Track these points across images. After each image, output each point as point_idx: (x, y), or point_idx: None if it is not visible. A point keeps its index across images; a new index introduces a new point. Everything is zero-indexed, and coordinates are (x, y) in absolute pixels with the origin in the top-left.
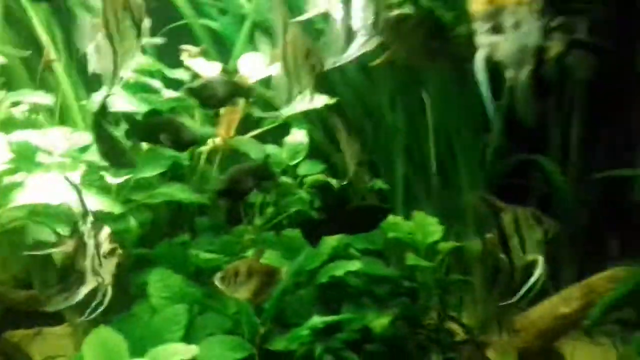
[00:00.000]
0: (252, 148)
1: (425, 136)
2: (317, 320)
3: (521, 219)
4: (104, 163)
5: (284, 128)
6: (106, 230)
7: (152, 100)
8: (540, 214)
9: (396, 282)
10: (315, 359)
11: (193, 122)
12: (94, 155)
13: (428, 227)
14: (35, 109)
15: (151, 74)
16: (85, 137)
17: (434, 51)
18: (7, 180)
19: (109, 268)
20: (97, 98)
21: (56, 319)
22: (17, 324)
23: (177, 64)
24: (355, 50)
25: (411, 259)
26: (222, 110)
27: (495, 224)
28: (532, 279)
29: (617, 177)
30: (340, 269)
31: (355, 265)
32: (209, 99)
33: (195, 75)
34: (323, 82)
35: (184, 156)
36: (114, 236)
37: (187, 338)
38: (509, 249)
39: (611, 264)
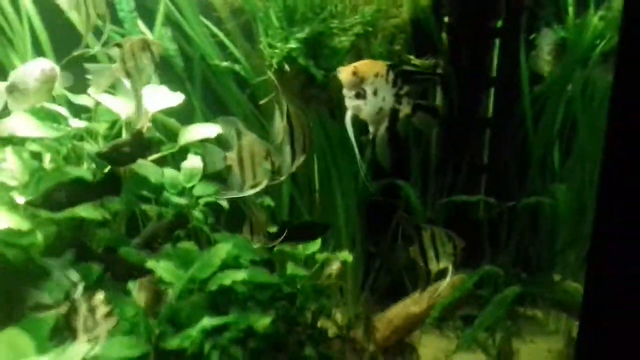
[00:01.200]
0: (151, 171)
1: (307, 162)
2: (206, 321)
3: (437, 236)
4: (13, 183)
5: (182, 153)
6: (100, 296)
7: (59, 129)
8: (451, 233)
9: (277, 288)
10: (204, 356)
11: (91, 146)
12: (3, 176)
13: None
14: None
15: (55, 99)
16: None
17: (309, 97)
18: None
19: (105, 327)
20: (5, 124)
21: None
22: None
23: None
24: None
25: (290, 268)
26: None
27: (416, 239)
28: (445, 282)
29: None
30: (228, 278)
31: (241, 275)
32: (119, 160)
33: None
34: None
35: (87, 176)
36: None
37: None
38: (426, 259)
39: (456, 272)
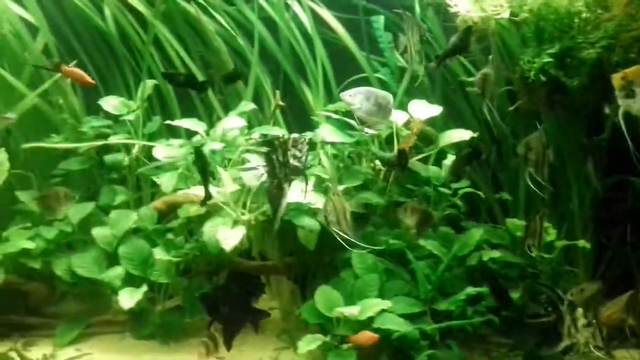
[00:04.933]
0: (419, 167)
1: (542, 158)
2: (471, 290)
3: None
4: (326, 176)
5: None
6: (580, 311)
7: (353, 135)
8: None
9: (523, 268)
10: (467, 317)
11: (376, 149)
12: (318, 171)
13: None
14: None
15: (345, 113)
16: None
17: (554, 102)
18: None
19: (584, 335)
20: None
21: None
22: None
23: None
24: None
25: (535, 252)
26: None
27: None
28: None
29: None
30: (486, 255)
31: (495, 254)
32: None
33: None
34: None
35: (370, 173)
36: None
37: (380, 296)
38: None
39: None
